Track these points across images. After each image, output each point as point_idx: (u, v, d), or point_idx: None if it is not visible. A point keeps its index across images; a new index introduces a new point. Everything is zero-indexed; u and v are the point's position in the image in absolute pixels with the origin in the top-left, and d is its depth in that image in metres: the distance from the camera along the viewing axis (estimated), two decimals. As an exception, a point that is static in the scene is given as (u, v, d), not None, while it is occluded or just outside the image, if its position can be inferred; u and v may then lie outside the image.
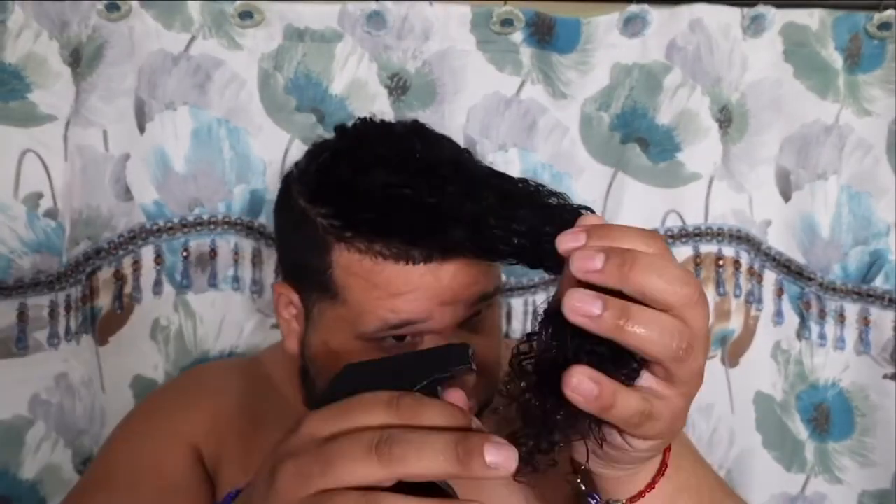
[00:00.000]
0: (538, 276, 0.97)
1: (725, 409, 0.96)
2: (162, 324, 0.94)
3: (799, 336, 1.00)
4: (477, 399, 0.63)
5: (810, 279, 0.98)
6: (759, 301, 0.99)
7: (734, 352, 0.97)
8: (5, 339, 0.88)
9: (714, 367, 0.96)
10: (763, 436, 1.00)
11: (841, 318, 0.99)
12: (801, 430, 1.01)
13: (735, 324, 0.96)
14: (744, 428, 0.99)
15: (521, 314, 0.97)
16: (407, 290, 0.61)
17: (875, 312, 0.98)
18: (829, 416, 1.00)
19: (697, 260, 0.95)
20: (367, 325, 0.62)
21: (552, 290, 0.96)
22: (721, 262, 0.95)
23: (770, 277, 0.99)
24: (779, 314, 1.00)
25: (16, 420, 0.89)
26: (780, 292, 1.00)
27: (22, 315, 0.88)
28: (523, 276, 0.96)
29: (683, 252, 0.95)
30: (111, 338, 0.94)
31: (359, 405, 0.39)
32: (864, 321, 0.98)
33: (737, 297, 0.96)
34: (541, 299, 0.97)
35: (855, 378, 1.00)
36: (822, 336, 0.99)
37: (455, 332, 0.63)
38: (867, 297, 0.98)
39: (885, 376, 0.98)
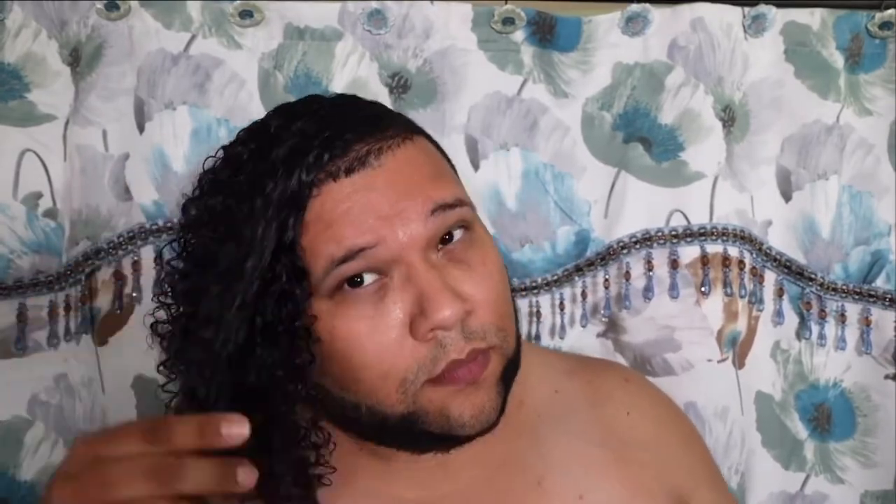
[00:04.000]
0: (541, 276, 0.96)
1: (738, 413, 0.96)
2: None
3: (798, 336, 1.00)
4: (486, 334, 0.58)
5: (811, 279, 0.98)
6: (760, 301, 0.99)
7: (741, 353, 0.97)
8: (4, 340, 0.88)
9: (727, 369, 0.96)
10: (762, 435, 1.00)
11: (842, 318, 0.99)
12: (800, 429, 1.01)
13: (741, 325, 0.96)
14: (749, 429, 0.99)
15: (525, 315, 0.96)
16: (340, 212, 0.54)
17: (876, 313, 0.98)
18: (830, 416, 1.00)
19: (705, 260, 0.95)
20: (317, 272, 0.55)
21: (555, 291, 0.97)
22: (728, 263, 0.95)
23: (770, 277, 0.99)
24: (779, 314, 1.00)
25: (15, 421, 0.89)
26: (780, 292, 1.00)
27: (21, 315, 0.88)
28: (526, 277, 0.96)
29: (690, 252, 0.95)
30: (111, 338, 0.93)
31: (122, 433, 0.45)
32: (866, 321, 0.98)
33: (742, 297, 0.96)
34: (545, 300, 0.97)
35: (856, 378, 0.99)
36: (822, 336, 0.99)
37: (427, 264, 0.56)
38: (868, 297, 0.98)
39: (886, 377, 0.98)
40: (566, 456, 0.67)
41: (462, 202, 0.59)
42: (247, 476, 0.42)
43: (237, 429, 0.43)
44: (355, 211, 0.54)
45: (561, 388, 0.71)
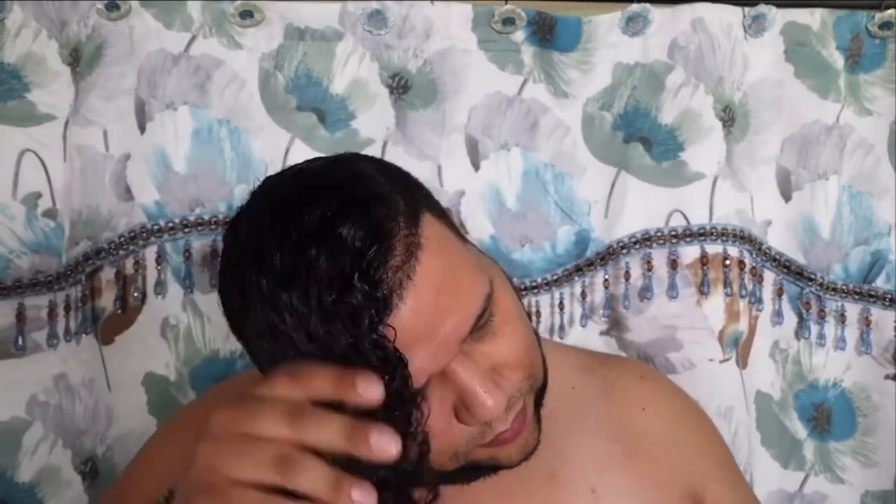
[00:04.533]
0: (541, 276, 0.96)
1: (743, 412, 0.96)
2: (171, 322, 0.94)
3: (798, 336, 1.00)
4: (521, 392, 0.59)
5: (810, 279, 0.98)
6: (760, 301, 0.98)
7: (744, 353, 0.97)
8: (3, 340, 0.87)
9: (731, 369, 0.96)
10: (761, 434, 1.00)
11: (842, 318, 0.99)
12: (798, 428, 1.01)
13: (744, 325, 0.96)
14: (750, 428, 0.99)
15: (525, 315, 0.97)
16: None
17: (876, 313, 0.98)
18: (830, 416, 1.00)
19: (704, 260, 0.95)
20: None
21: (555, 291, 0.97)
22: (727, 262, 0.95)
23: (770, 277, 0.99)
24: (778, 314, 1.00)
25: (13, 422, 0.89)
26: (780, 292, 1.00)
27: (20, 315, 0.88)
28: (526, 276, 0.96)
29: (690, 252, 0.95)
30: (118, 337, 0.93)
31: (269, 377, 0.48)
32: (866, 321, 0.98)
33: (742, 297, 0.96)
34: (544, 299, 0.97)
35: (856, 378, 0.99)
36: (821, 336, 0.99)
37: (463, 362, 0.57)
38: (868, 297, 0.98)
39: (886, 377, 0.98)
40: (579, 450, 0.68)
41: (486, 297, 0.57)
42: (381, 441, 0.44)
43: (374, 388, 0.46)
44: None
45: (577, 385, 0.72)
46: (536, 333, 0.64)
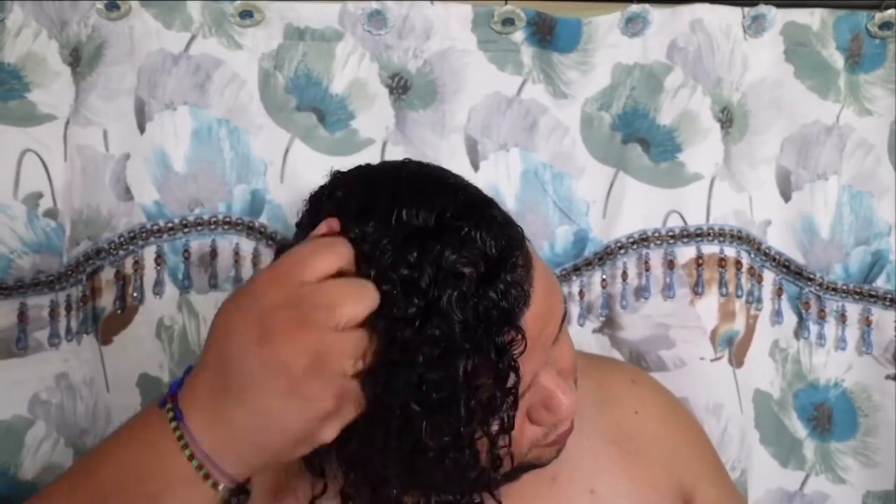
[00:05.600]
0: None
1: (735, 410, 0.96)
2: (166, 323, 0.94)
3: (797, 335, 1.00)
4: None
5: (810, 279, 0.98)
6: (759, 301, 0.98)
7: (739, 352, 0.97)
8: (5, 340, 0.88)
9: (723, 367, 0.96)
10: (760, 433, 1.01)
11: (842, 318, 0.98)
12: (798, 427, 1.01)
13: (739, 324, 0.96)
14: (746, 426, 0.99)
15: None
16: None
17: (877, 313, 0.98)
18: (831, 415, 1.00)
19: (700, 261, 0.95)
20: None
21: (562, 287, 0.97)
22: (723, 263, 0.95)
23: (769, 277, 0.99)
24: (778, 314, 1.00)
25: (15, 420, 0.89)
26: (779, 292, 1.00)
27: (22, 315, 0.88)
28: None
29: (686, 253, 0.95)
30: (115, 337, 0.94)
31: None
32: (866, 321, 0.98)
33: (739, 297, 0.96)
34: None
35: (857, 378, 0.99)
36: (821, 336, 0.99)
37: (547, 364, 0.60)
38: (868, 297, 0.98)
39: (887, 377, 0.98)
40: (578, 453, 0.70)
41: (565, 300, 0.63)
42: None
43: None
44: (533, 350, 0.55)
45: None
46: None
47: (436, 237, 0.52)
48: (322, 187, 0.61)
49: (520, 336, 0.53)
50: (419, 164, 0.62)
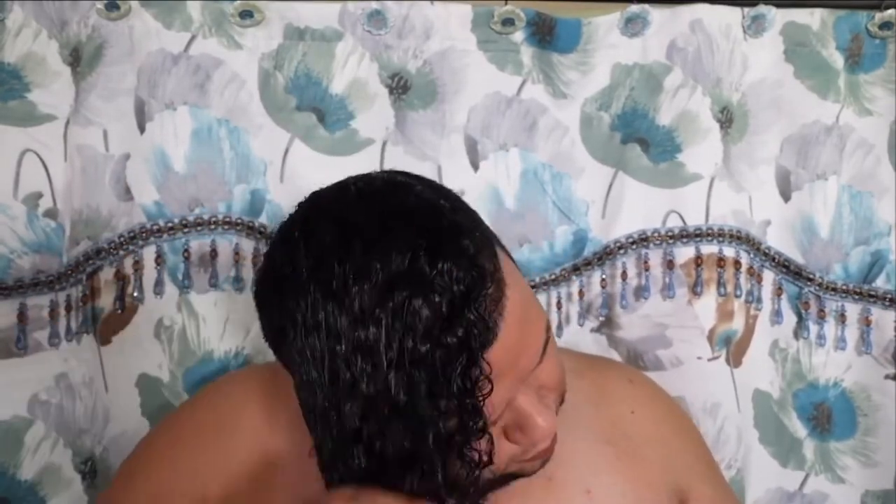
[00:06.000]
0: (539, 275, 0.97)
1: (732, 409, 0.96)
2: (165, 324, 0.94)
3: (797, 335, 1.00)
4: (557, 408, 0.63)
5: (809, 279, 0.98)
6: (759, 301, 0.98)
7: (737, 352, 0.97)
8: (5, 339, 0.88)
9: (720, 367, 0.96)
10: (760, 432, 1.00)
11: (842, 318, 0.98)
12: (798, 427, 1.01)
13: (738, 324, 0.96)
14: (745, 425, 0.99)
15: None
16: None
17: (876, 313, 0.97)
18: (830, 415, 1.00)
19: (699, 261, 0.95)
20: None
21: (553, 291, 0.97)
22: (722, 263, 0.95)
23: (769, 277, 0.99)
24: (777, 314, 1.00)
25: (15, 420, 0.89)
26: (779, 292, 0.99)
27: (22, 315, 0.88)
28: (524, 276, 0.96)
29: (685, 253, 0.95)
30: (114, 337, 0.94)
31: None
32: (866, 321, 0.98)
33: (738, 297, 0.96)
34: (542, 299, 0.97)
35: (857, 378, 0.99)
36: (820, 336, 0.99)
37: (525, 385, 0.59)
38: (868, 297, 0.98)
39: (886, 377, 0.98)
40: (574, 453, 0.70)
41: (548, 326, 0.60)
42: None
43: None
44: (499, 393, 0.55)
45: (569, 388, 0.73)
46: None
47: (406, 283, 0.51)
48: (293, 223, 0.60)
49: (482, 374, 0.52)
50: (386, 188, 0.60)
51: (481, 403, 0.52)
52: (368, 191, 0.60)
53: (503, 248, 0.62)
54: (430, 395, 0.50)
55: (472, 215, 0.62)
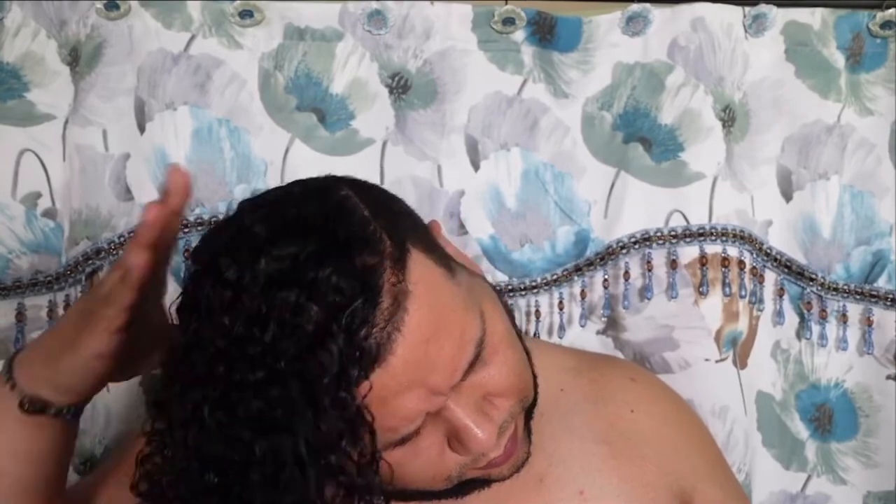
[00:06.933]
0: (540, 276, 0.96)
1: (740, 412, 0.96)
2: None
3: (799, 336, 0.99)
4: (513, 415, 0.60)
5: (811, 279, 0.98)
6: (761, 301, 0.98)
7: (743, 353, 0.97)
8: (3, 340, 0.88)
9: (727, 369, 0.96)
10: (763, 434, 1.00)
11: (843, 318, 0.98)
12: (800, 429, 1.01)
13: (742, 325, 0.96)
14: (750, 428, 0.98)
15: (523, 314, 0.96)
16: (382, 413, 0.52)
17: (878, 313, 0.97)
18: (832, 416, 1.00)
19: (703, 260, 0.94)
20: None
21: (555, 291, 0.97)
22: (727, 263, 0.95)
23: (771, 277, 0.99)
24: (779, 314, 0.99)
25: (14, 421, 0.88)
26: (780, 292, 0.99)
27: (20, 315, 0.88)
28: (525, 276, 0.96)
29: (689, 252, 0.94)
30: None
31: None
32: (867, 321, 0.97)
33: (742, 297, 0.95)
34: (543, 299, 0.97)
35: (858, 379, 0.99)
36: (822, 336, 0.98)
37: (455, 396, 0.56)
38: (870, 297, 0.97)
39: (888, 377, 0.98)
40: (567, 453, 0.69)
41: (478, 341, 0.56)
42: None
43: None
44: (393, 410, 0.53)
45: (566, 387, 0.72)
46: (521, 335, 0.64)
47: (290, 282, 0.49)
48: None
49: (352, 397, 0.49)
50: (302, 193, 0.59)
51: (361, 429, 0.50)
52: (284, 199, 0.58)
53: (448, 265, 0.58)
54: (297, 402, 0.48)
55: (395, 221, 0.57)
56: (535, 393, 0.63)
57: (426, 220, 0.63)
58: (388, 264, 0.52)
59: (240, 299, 0.49)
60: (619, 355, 0.97)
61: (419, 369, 0.53)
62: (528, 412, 0.64)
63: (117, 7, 0.89)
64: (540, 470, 0.67)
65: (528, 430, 0.64)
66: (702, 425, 0.82)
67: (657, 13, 0.94)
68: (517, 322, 0.95)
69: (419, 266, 0.54)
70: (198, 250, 0.57)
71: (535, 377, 0.64)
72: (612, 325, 0.97)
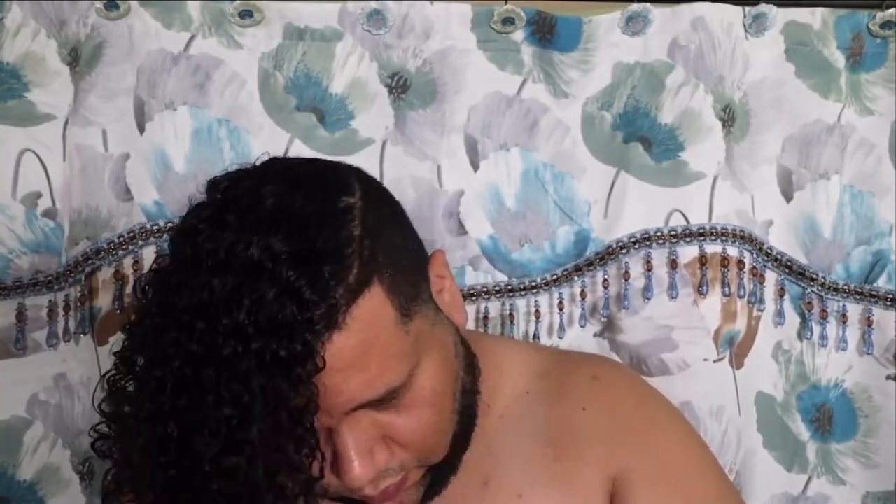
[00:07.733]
0: (540, 276, 0.96)
1: (734, 411, 0.96)
2: (162, 324, 0.93)
3: (800, 336, 0.99)
4: (405, 467, 0.60)
5: (812, 279, 0.98)
6: (761, 301, 0.98)
7: (739, 353, 0.97)
8: (4, 340, 0.88)
9: (723, 368, 0.96)
10: (764, 436, 1.00)
11: (843, 318, 0.98)
12: (802, 430, 1.01)
13: (740, 325, 0.96)
14: (747, 429, 0.98)
15: (523, 314, 0.97)
16: None
17: (878, 313, 0.97)
18: (831, 416, 1.00)
19: (703, 260, 0.94)
20: None
21: (555, 291, 0.97)
22: (726, 262, 0.95)
23: (771, 278, 0.99)
24: (780, 314, 0.99)
25: (14, 421, 0.89)
26: (781, 292, 0.99)
27: (20, 315, 0.89)
28: (525, 276, 0.96)
29: (689, 252, 0.95)
30: (112, 338, 0.93)
31: None
32: (867, 322, 0.97)
33: (741, 297, 0.95)
34: (543, 299, 0.97)
35: (858, 379, 0.99)
36: (823, 336, 0.99)
37: (347, 424, 0.56)
38: (870, 297, 0.97)
39: (887, 377, 0.98)
40: (512, 455, 0.68)
41: (391, 389, 0.56)
42: None
43: None
44: None
45: (532, 390, 0.71)
46: (476, 387, 0.66)
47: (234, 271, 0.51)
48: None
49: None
50: (317, 184, 0.59)
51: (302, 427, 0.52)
52: (305, 181, 0.59)
53: (406, 310, 0.57)
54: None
55: (380, 246, 0.57)
56: (450, 450, 0.63)
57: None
58: (342, 292, 0.53)
59: (196, 275, 0.51)
60: (616, 358, 0.96)
61: (321, 390, 0.53)
62: (437, 472, 0.63)
63: (117, 7, 0.89)
64: (485, 472, 0.67)
65: (424, 482, 0.63)
66: (684, 426, 0.77)
67: (657, 13, 0.94)
68: (517, 323, 0.96)
69: (371, 303, 0.54)
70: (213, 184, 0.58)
71: (456, 437, 0.63)
72: (609, 327, 0.97)
